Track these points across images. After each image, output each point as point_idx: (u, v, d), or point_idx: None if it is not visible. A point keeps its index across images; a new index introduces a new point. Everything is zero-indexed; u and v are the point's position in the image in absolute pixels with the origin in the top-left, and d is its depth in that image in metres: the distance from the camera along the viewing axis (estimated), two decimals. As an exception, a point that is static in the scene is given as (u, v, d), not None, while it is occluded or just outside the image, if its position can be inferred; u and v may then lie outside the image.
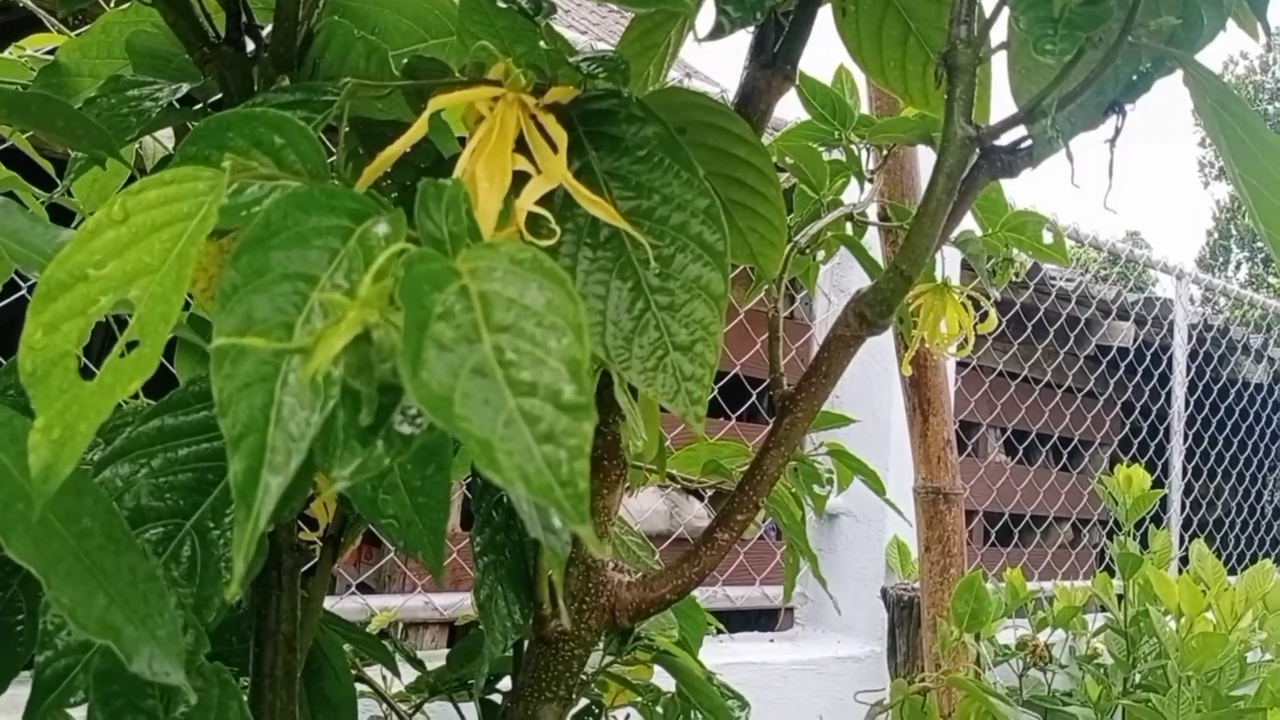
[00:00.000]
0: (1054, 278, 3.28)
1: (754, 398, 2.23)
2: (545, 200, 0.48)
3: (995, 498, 3.15)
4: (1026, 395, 3.32)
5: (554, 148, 0.49)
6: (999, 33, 0.58)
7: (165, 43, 0.63)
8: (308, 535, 0.68)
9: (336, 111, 0.50)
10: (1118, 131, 0.59)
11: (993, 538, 3.09)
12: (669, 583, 0.63)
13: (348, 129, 0.54)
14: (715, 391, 2.13)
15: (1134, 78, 0.59)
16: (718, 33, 0.53)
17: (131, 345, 0.34)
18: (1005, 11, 0.56)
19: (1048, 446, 3.69)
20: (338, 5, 0.70)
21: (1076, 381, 3.51)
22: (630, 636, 0.71)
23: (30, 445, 0.32)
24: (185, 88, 0.56)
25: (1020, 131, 0.59)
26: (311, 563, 0.65)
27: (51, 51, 0.83)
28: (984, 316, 0.86)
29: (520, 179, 0.48)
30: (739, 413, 2.22)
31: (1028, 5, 0.48)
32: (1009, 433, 3.41)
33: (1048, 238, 0.88)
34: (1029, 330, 3.01)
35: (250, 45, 0.61)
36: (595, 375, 0.62)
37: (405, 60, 0.59)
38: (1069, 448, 3.68)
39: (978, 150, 0.58)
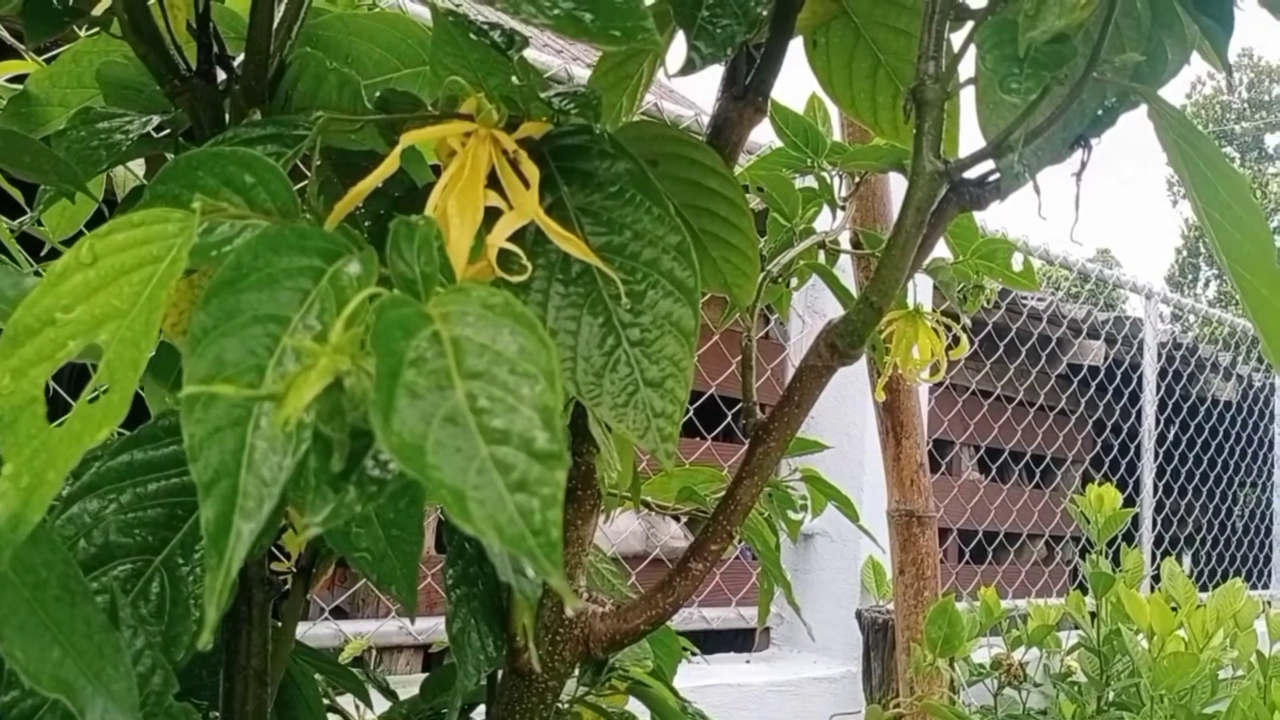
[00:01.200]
0: (1025, 298, 3.31)
1: (729, 418, 2.23)
2: (517, 235, 0.48)
3: (969, 516, 3.16)
4: (999, 413, 3.35)
5: (526, 183, 0.49)
6: (967, 67, 0.59)
7: (136, 73, 0.63)
8: (280, 566, 0.67)
9: (309, 146, 0.50)
10: (1084, 165, 0.60)
11: (967, 556, 3.10)
12: (643, 613, 0.63)
13: (320, 159, 0.55)
14: (690, 412, 2.14)
15: (1099, 112, 0.60)
16: (689, 68, 0.54)
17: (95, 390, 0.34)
18: (973, 47, 0.57)
19: (1021, 464, 3.71)
20: (311, 35, 0.71)
21: (1049, 400, 3.54)
22: (604, 667, 0.71)
23: (-3, 492, 0.32)
24: (156, 120, 0.56)
25: (988, 165, 0.60)
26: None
27: (21, 78, 0.83)
28: (955, 342, 0.87)
29: (492, 214, 0.48)
30: (714, 433, 2.22)
31: (994, 44, 0.49)
32: (982, 451, 3.43)
33: (1018, 264, 0.89)
34: (1001, 349, 3.03)
35: (222, 75, 0.61)
36: (569, 406, 0.63)
37: (378, 93, 0.59)
38: (1042, 465, 3.71)
39: (947, 183, 0.58)
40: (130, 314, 0.36)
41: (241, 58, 0.61)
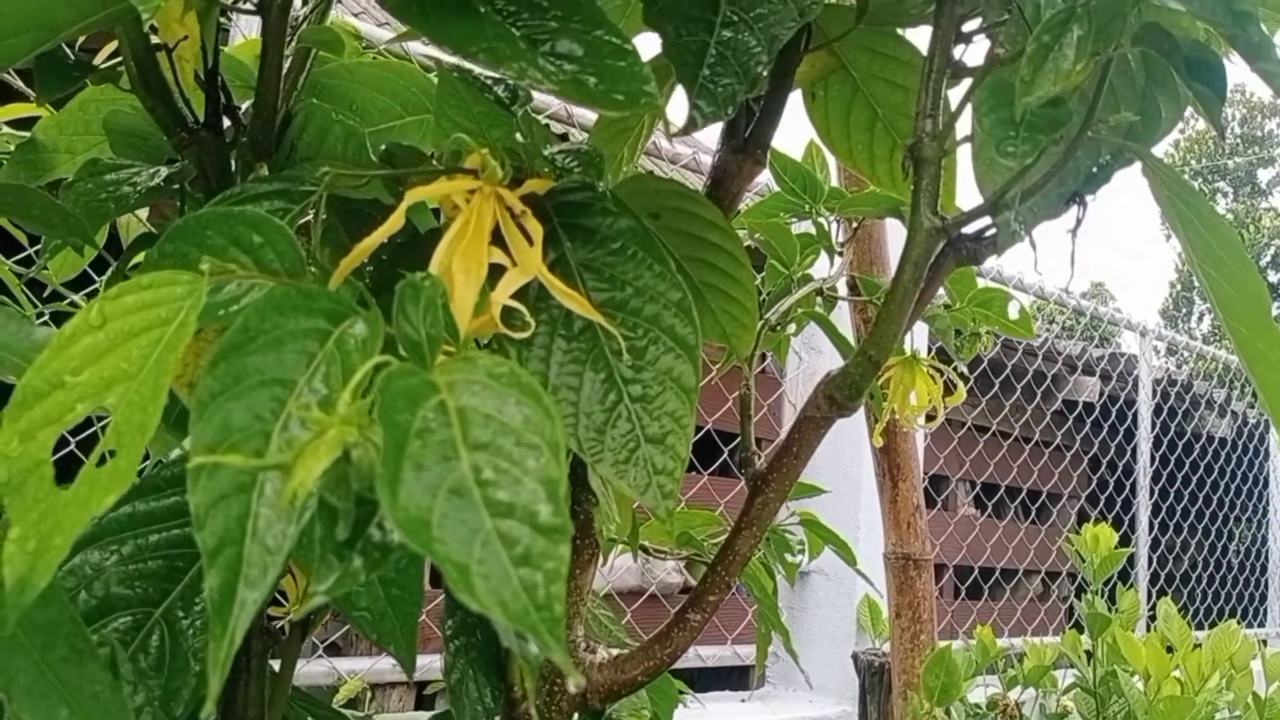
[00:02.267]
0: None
1: (725, 454, 2.23)
2: (521, 291, 0.49)
3: (966, 552, 3.16)
4: (996, 449, 3.35)
5: (530, 240, 0.50)
6: (964, 122, 0.60)
7: (143, 122, 0.63)
8: (277, 611, 0.67)
9: (315, 201, 0.51)
10: (1079, 222, 0.61)
11: (963, 593, 3.10)
12: (641, 664, 0.63)
13: (325, 207, 0.55)
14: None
15: (1094, 170, 0.61)
16: (691, 127, 0.54)
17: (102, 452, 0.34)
18: (970, 104, 0.58)
19: (1017, 501, 3.71)
20: (316, 83, 0.71)
21: (1044, 436, 3.54)
22: (602, 716, 0.70)
23: (4, 557, 0.32)
24: (163, 172, 0.56)
25: (985, 220, 0.60)
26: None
27: (27, 121, 0.84)
28: (952, 390, 0.88)
29: (496, 270, 0.49)
30: (711, 469, 2.22)
31: (990, 107, 0.49)
32: (979, 487, 3.43)
33: (1014, 312, 0.89)
34: (997, 385, 3.04)
35: (228, 122, 0.62)
36: (569, 457, 0.63)
37: (383, 146, 0.59)
38: (1038, 501, 3.71)
39: (944, 239, 0.59)
40: (139, 377, 0.36)
41: (248, 104, 0.62)
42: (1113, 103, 0.60)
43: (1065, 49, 0.46)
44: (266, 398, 0.36)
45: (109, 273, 0.60)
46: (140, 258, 0.59)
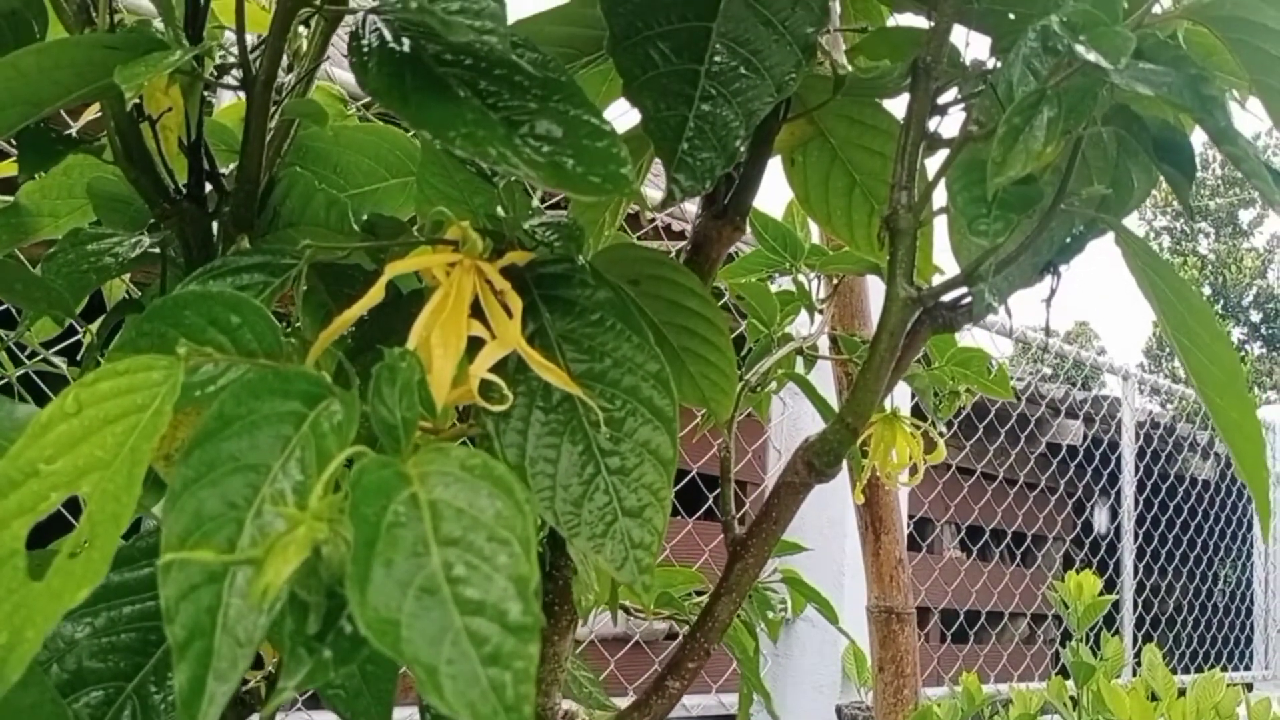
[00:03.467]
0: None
1: (710, 500, 2.23)
2: (499, 362, 0.49)
3: (951, 596, 3.15)
4: (981, 492, 3.36)
5: (509, 313, 0.50)
6: (942, 191, 0.61)
7: (126, 188, 0.64)
8: (250, 675, 0.67)
9: (295, 274, 0.51)
10: (1053, 291, 0.62)
11: (949, 638, 3.09)
12: (620, 732, 0.63)
13: (307, 270, 0.55)
14: (672, 495, 2.12)
15: (1068, 240, 0.61)
16: (669, 201, 0.55)
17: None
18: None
19: (1002, 544, 3.71)
20: (301, 146, 0.72)
21: (1029, 478, 3.55)
22: (580, 784, 0.70)
23: (-26, 650, 0.32)
24: (145, 241, 0.57)
25: (961, 289, 0.61)
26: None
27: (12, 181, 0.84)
28: (932, 447, 0.88)
29: (475, 342, 0.49)
30: (696, 514, 2.22)
31: (963, 185, 0.50)
32: (964, 530, 3.43)
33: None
34: (981, 429, 3.05)
35: (209, 187, 0.62)
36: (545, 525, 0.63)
37: (364, 216, 0.60)
38: (1023, 544, 3.71)
39: (920, 308, 0.60)
40: (113, 465, 0.36)
41: (232, 168, 0.62)
42: (1085, 174, 0.61)
43: (1036, 130, 0.47)
44: (240, 484, 0.36)
45: (87, 345, 0.60)
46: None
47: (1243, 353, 15.30)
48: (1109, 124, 0.51)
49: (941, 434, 0.87)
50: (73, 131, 0.93)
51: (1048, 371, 3.70)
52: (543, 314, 0.53)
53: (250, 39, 0.69)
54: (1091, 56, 0.42)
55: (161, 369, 0.38)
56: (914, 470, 0.91)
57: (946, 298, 0.61)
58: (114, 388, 0.37)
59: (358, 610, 0.29)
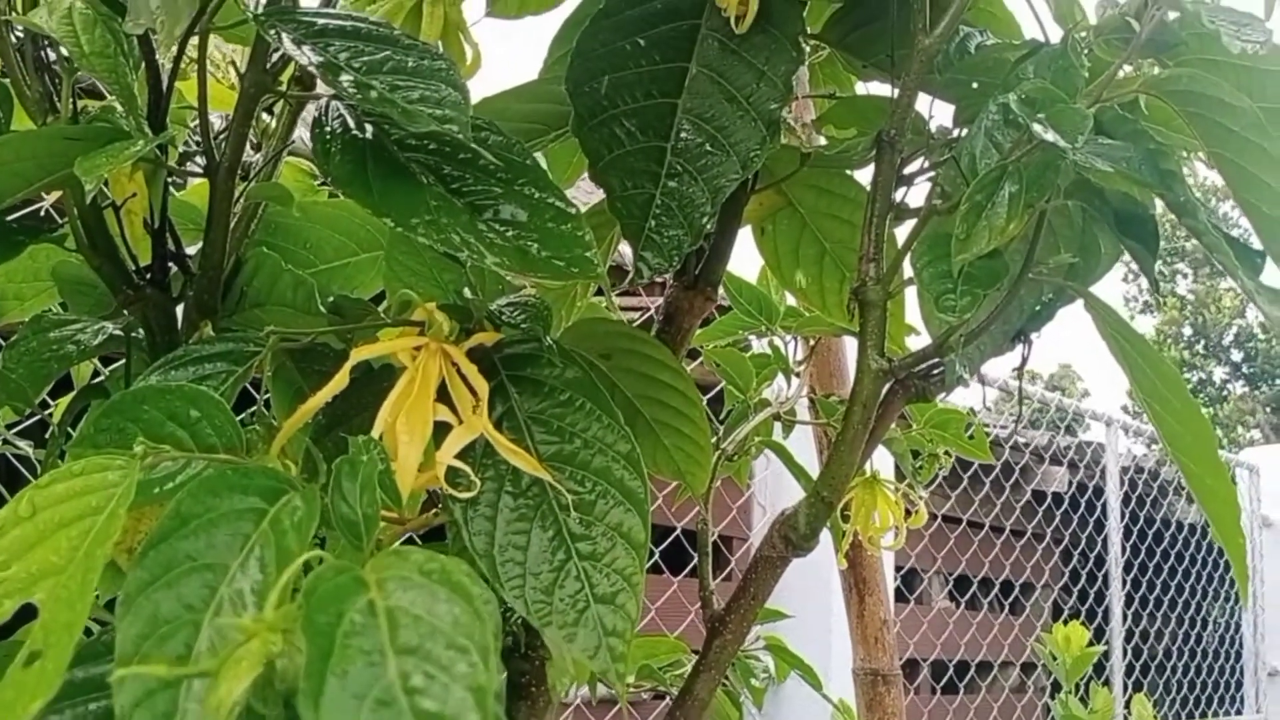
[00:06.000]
0: (988, 425, 3.34)
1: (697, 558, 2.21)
2: (467, 446, 0.49)
3: (940, 648, 3.13)
4: (968, 541, 3.34)
5: (476, 396, 0.50)
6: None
7: (91, 272, 0.63)
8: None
9: (259, 361, 0.51)
10: (1024, 360, 0.62)
11: (938, 690, 3.06)
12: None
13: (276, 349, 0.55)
14: (656, 554, 2.09)
15: (1037, 308, 0.62)
16: (638, 277, 0.55)
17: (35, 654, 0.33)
18: (913, 247, 0.59)
19: (992, 593, 3.69)
20: (270, 222, 0.72)
21: (1016, 526, 3.54)
22: None
23: (-79, 770, 0.31)
24: (109, 329, 0.56)
25: (933, 359, 0.61)
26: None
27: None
28: (913, 511, 0.87)
29: (441, 426, 0.49)
30: (681, 573, 2.20)
31: (928, 260, 0.50)
32: (952, 580, 3.41)
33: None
34: (966, 478, 3.05)
35: (174, 267, 0.62)
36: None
37: (330, 299, 0.60)
38: (1012, 593, 3.69)
39: (892, 379, 0.59)
40: (67, 570, 0.35)
41: (197, 249, 0.62)
42: (1053, 242, 0.61)
43: (998, 207, 0.47)
44: (198, 585, 0.35)
45: (51, 432, 0.59)
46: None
47: (1224, 392, 15.35)
48: (1071, 197, 0.51)
49: (926, 486, 0.87)
50: (46, 205, 0.93)
51: (1031, 412, 3.70)
52: (511, 394, 0.53)
53: (217, 119, 0.70)
54: (1050, 136, 0.43)
55: (117, 469, 0.38)
56: (897, 534, 0.90)
57: (918, 368, 0.61)
58: (69, 489, 0.37)
59: (310, 728, 0.28)
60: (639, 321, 1.16)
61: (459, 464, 0.47)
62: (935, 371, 0.61)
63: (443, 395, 0.50)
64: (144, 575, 0.35)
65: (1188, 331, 15.13)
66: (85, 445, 0.42)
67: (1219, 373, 15.53)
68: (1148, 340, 0.58)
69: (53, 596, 0.35)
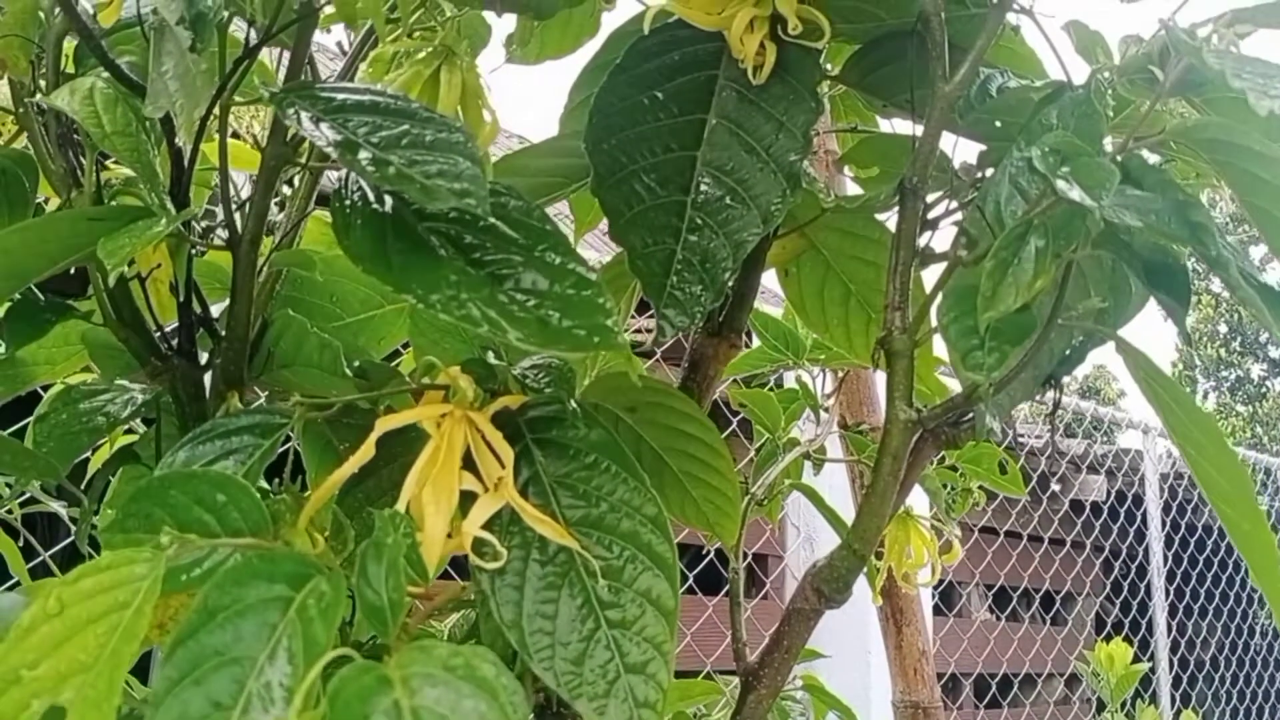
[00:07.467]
0: (1023, 436, 3.31)
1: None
2: (493, 515, 0.49)
3: (982, 662, 3.09)
4: (1007, 552, 3.31)
5: (501, 463, 0.49)
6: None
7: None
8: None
9: (286, 432, 0.51)
10: (1056, 404, 0.61)
11: (981, 707, 3.02)
12: None
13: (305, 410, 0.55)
14: (691, 577, 2.07)
15: (1068, 352, 0.61)
16: (661, 336, 0.55)
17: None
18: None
19: (1034, 605, 3.65)
20: (296, 278, 0.72)
21: (1055, 535, 3.50)
22: None
23: None
24: (138, 399, 0.56)
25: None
26: None
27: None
28: (948, 547, 0.86)
29: (467, 494, 0.49)
30: (718, 597, 2.19)
31: (955, 317, 0.50)
32: (993, 591, 3.37)
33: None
34: (1002, 490, 3.01)
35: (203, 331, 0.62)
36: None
37: (356, 363, 0.60)
38: (1053, 604, 3.64)
39: (921, 429, 0.59)
40: (95, 668, 0.35)
41: (223, 310, 0.62)
42: (1082, 284, 0.60)
43: (1025, 263, 0.47)
44: (226, 680, 0.35)
45: (82, 509, 0.60)
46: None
47: (1263, 390, 15.10)
48: (1099, 248, 0.50)
49: (957, 534, 0.86)
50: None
51: (1066, 420, 3.66)
52: (536, 458, 0.52)
53: (239, 177, 0.70)
54: (1075, 195, 0.42)
55: (144, 562, 0.38)
56: (932, 570, 0.89)
57: (947, 415, 0.60)
58: (96, 584, 0.37)
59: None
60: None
61: (486, 535, 0.47)
62: (965, 419, 0.60)
63: (467, 461, 0.50)
64: (172, 673, 0.35)
65: (1223, 329, 14.90)
66: (115, 531, 0.43)
67: (1256, 370, 15.27)
68: (1179, 385, 0.57)
69: (80, 696, 0.35)
